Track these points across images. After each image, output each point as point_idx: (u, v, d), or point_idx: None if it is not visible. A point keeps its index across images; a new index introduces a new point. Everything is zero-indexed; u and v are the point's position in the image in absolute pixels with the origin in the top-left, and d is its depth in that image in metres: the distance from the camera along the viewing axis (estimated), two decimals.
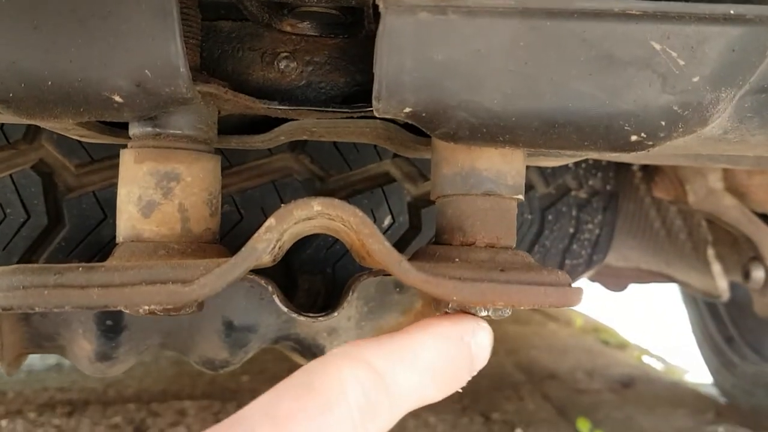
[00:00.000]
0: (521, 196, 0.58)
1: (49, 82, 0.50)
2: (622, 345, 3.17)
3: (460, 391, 0.50)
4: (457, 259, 0.55)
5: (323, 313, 0.68)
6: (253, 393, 0.40)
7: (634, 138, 0.52)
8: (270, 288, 0.65)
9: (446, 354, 0.49)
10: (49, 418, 1.78)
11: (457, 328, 0.50)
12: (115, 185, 0.59)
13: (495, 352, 0.55)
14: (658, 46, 0.48)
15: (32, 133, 0.84)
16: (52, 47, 0.49)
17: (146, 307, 0.50)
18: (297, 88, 0.64)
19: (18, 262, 0.79)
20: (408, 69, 0.48)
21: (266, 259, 0.53)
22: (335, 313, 0.67)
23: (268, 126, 0.67)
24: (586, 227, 1.11)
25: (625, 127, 0.51)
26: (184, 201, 0.56)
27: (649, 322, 3.69)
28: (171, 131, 0.56)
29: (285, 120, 0.65)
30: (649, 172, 1.30)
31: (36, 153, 0.83)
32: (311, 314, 0.68)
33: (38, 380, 2.08)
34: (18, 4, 0.48)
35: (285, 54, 0.62)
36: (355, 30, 0.61)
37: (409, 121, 0.52)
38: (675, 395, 2.38)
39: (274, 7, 0.57)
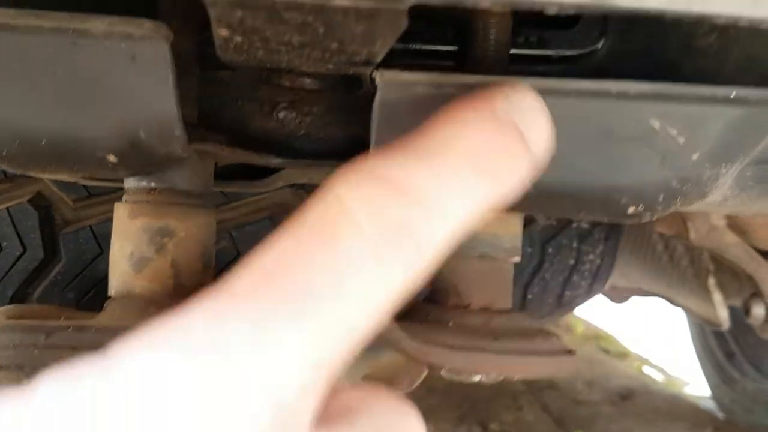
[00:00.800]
0: (518, 258, 0.58)
1: (43, 141, 0.49)
2: (623, 354, 3.16)
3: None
4: (450, 323, 0.55)
5: None
6: None
7: (631, 210, 0.52)
8: None
9: (479, 132, 0.34)
10: None
11: (483, 99, 0.36)
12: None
13: None
14: (657, 125, 0.47)
15: None
16: (47, 107, 0.48)
17: None
18: (295, 138, 0.63)
19: (13, 296, 0.79)
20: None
21: None
22: None
23: (267, 168, 0.67)
24: (587, 258, 1.10)
25: (622, 201, 0.51)
26: (177, 257, 0.56)
27: (650, 330, 3.67)
28: (166, 186, 0.56)
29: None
30: None
31: (34, 186, 0.82)
32: None
33: None
34: (13, 63, 0.48)
35: (284, 105, 0.62)
36: (354, 87, 0.60)
37: None
38: (673, 408, 2.38)
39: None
